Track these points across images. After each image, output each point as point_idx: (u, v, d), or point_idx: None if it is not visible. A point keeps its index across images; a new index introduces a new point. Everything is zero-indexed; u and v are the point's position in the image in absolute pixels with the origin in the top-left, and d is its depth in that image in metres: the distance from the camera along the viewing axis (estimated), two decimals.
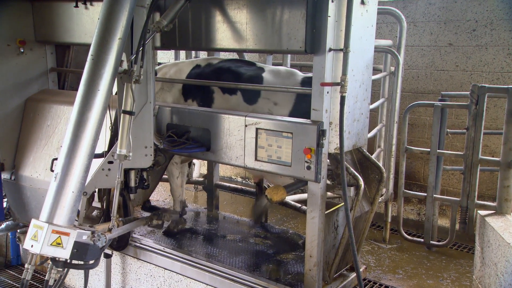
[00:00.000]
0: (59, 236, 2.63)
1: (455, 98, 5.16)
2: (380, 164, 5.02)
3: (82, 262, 2.75)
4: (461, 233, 4.94)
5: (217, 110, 3.65)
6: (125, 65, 2.99)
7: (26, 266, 2.85)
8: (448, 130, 4.92)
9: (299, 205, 4.63)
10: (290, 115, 3.45)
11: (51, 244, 2.62)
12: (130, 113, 3.05)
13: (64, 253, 2.64)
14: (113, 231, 3.12)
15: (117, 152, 3.03)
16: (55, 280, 2.84)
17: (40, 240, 2.61)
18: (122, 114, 3.05)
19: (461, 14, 5.39)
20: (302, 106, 3.39)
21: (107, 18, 2.85)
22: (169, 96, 4.07)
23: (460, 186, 5.15)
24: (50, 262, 2.77)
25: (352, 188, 3.30)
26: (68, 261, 2.72)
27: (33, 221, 2.71)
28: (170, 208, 4.59)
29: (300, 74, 3.64)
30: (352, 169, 3.29)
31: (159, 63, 4.47)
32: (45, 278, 2.80)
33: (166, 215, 3.81)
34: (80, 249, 2.67)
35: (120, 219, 3.34)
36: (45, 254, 2.68)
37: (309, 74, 3.68)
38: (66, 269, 2.81)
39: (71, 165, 2.74)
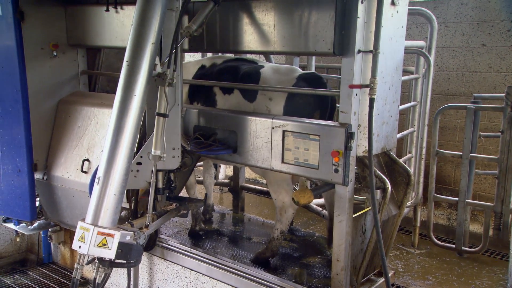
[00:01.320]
0: (105, 237, 2.77)
1: (488, 100, 5.01)
2: (411, 170, 4.95)
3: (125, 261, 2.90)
4: (495, 239, 4.79)
5: (244, 112, 3.66)
6: (159, 69, 3.05)
7: (75, 266, 2.99)
8: (481, 133, 4.78)
9: (320, 209, 4.60)
10: (284, 110, 3.49)
11: (97, 245, 2.77)
12: (164, 115, 3.13)
13: (109, 254, 2.79)
14: (150, 227, 3.22)
15: (152, 153, 3.13)
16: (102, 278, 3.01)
17: (87, 242, 2.77)
18: (156, 117, 3.12)
19: (495, 14, 5.24)
20: (294, 101, 3.45)
21: (140, 24, 2.91)
22: None
23: (493, 191, 5.00)
24: (97, 262, 2.92)
25: (378, 191, 3.24)
26: (114, 260, 2.85)
27: (80, 223, 2.85)
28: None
29: (299, 71, 3.66)
30: (379, 172, 3.23)
31: None
32: (93, 276, 2.96)
33: (192, 205, 3.86)
34: (124, 249, 2.81)
35: (153, 212, 3.42)
36: (92, 255, 2.83)
37: (309, 71, 3.73)
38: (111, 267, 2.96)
39: (112, 169, 2.85)
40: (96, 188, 2.86)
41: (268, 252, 3.88)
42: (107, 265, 2.89)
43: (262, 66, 3.77)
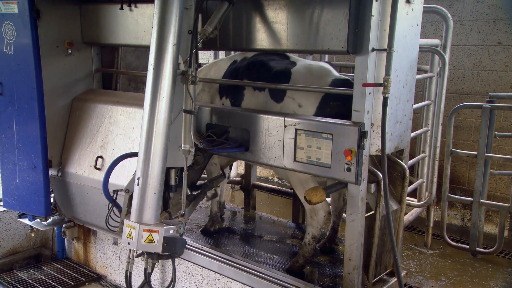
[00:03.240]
0: (150, 233, 2.99)
1: (504, 99, 4.94)
2: (425, 170, 4.90)
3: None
4: (510, 240, 4.72)
5: (256, 110, 3.65)
6: (182, 67, 3.13)
7: (127, 260, 3.38)
8: (496, 132, 4.71)
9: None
10: None
11: (144, 241, 2.99)
12: (190, 112, 3.23)
13: (156, 248, 3.02)
14: (186, 215, 3.41)
15: (182, 148, 3.26)
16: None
17: (134, 238, 2.99)
18: (183, 114, 3.23)
19: None
20: (326, 111, 3.31)
21: (160, 26, 2.98)
22: (208, 96, 4.11)
23: (508, 191, 4.94)
24: (146, 255, 3.23)
25: (372, 185, 3.20)
26: (160, 253, 3.09)
27: (126, 221, 3.07)
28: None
29: (333, 75, 3.47)
30: (370, 166, 3.19)
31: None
32: (144, 267, 3.33)
33: (214, 182, 3.93)
34: (169, 243, 3.03)
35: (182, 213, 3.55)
36: (141, 250, 3.05)
37: (343, 76, 3.52)
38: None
39: (148, 170, 3.02)
40: (137, 188, 3.04)
41: (301, 259, 3.74)
42: (155, 258, 3.17)
43: (294, 64, 3.62)
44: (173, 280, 3.81)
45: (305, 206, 3.70)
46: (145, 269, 3.36)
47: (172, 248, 3.06)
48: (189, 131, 3.24)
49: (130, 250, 3.24)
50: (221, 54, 6.29)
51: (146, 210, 3.04)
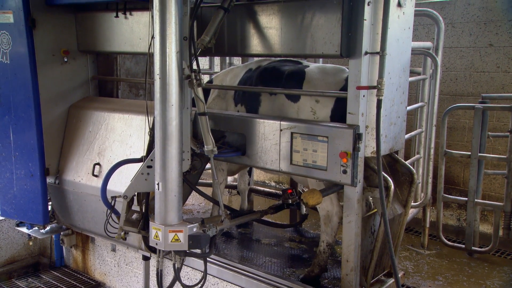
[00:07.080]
0: (175, 233, 3.15)
1: (496, 100, 5.00)
2: (420, 171, 4.95)
3: (199, 251, 3.35)
4: (505, 239, 4.77)
5: (252, 115, 3.69)
6: (186, 72, 3.17)
7: (157, 259, 3.54)
8: (489, 133, 4.77)
9: None
10: (332, 113, 3.37)
11: (171, 241, 3.17)
12: (204, 113, 3.29)
13: (183, 246, 3.19)
14: (224, 223, 3.46)
15: (205, 149, 3.33)
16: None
17: (161, 239, 3.16)
18: (199, 116, 3.31)
19: (502, 13, 5.23)
20: (345, 104, 3.29)
21: (162, 36, 3.01)
22: (223, 103, 4.10)
23: (502, 191, 4.98)
24: (173, 252, 3.38)
25: None
26: (187, 250, 3.26)
27: (151, 224, 3.23)
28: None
29: (347, 71, 3.44)
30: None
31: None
32: (172, 262, 3.44)
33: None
34: (194, 240, 3.18)
35: (228, 212, 3.59)
36: (168, 249, 3.27)
37: None
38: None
39: (167, 174, 3.14)
40: (158, 192, 3.18)
41: (316, 269, 3.71)
42: (183, 255, 3.35)
43: (307, 66, 3.68)
44: (204, 277, 3.73)
45: (320, 212, 3.68)
46: (174, 264, 3.45)
47: (198, 245, 3.21)
48: (208, 131, 3.29)
49: (159, 250, 3.40)
50: (216, 59, 6.34)
51: (169, 212, 3.17)
